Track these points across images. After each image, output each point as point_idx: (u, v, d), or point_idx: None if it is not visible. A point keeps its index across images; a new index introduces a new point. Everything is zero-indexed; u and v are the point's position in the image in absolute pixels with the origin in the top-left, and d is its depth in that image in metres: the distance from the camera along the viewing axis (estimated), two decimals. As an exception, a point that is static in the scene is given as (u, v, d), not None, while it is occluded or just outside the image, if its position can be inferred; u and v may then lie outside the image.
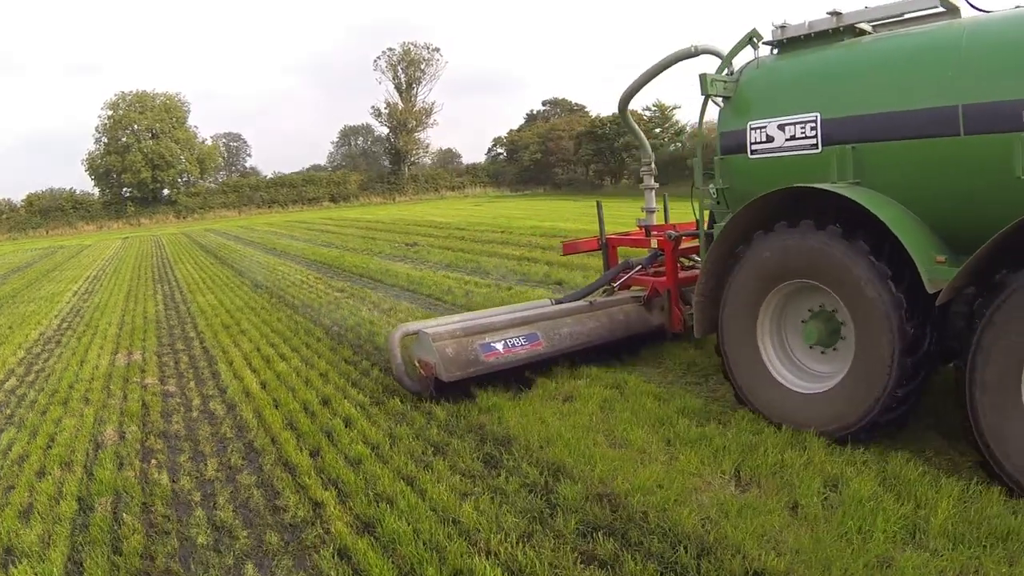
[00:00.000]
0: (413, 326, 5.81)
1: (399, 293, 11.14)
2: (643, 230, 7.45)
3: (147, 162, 49.92)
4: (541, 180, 57.78)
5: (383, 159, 62.88)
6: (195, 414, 5.78)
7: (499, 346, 5.56)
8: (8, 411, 6.34)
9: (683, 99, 51.15)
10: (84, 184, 67.40)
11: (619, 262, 7.33)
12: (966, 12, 4.54)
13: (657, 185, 7.56)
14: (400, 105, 56.69)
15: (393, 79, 57.01)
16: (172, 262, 19.91)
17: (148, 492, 4.27)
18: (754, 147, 4.96)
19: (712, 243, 5.04)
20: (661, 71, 6.54)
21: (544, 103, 70.45)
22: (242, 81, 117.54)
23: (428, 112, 57.88)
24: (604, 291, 7.10)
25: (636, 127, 7.86)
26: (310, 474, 4.27)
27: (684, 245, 6.65)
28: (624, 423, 4.74)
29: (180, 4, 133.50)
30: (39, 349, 9.05)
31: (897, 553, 3.15)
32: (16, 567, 3.50)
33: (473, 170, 61.86)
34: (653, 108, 49.68)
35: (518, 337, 5.69)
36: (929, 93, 4.05)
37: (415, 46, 56.82)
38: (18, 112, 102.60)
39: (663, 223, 7.50)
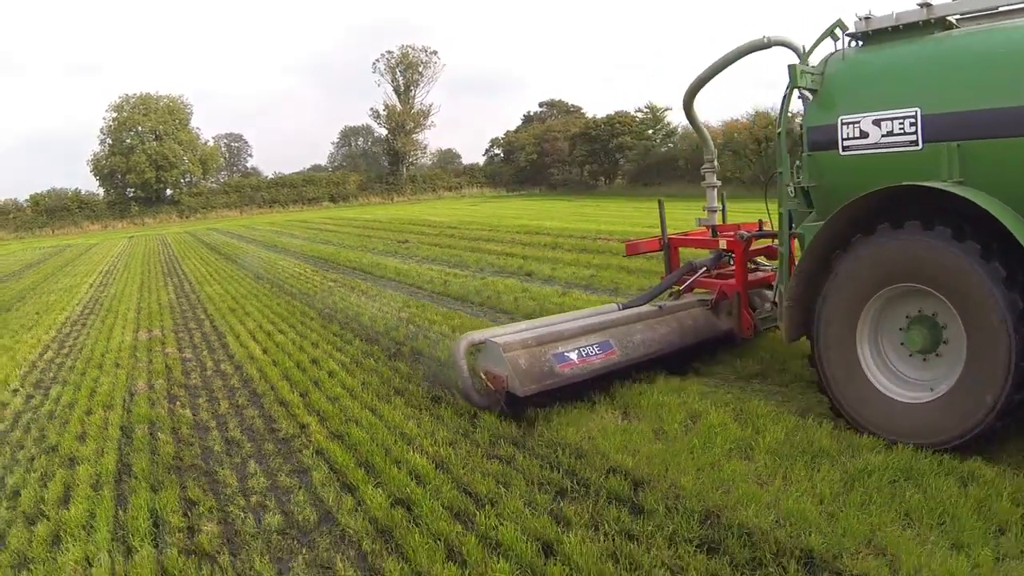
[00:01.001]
0: (479, 335, 5.38)
1: (386, 283, 12.49)
2: (707, 230, 7.21)
3: (151, 163, 51.41)
4: (537, 180, 59.05)
5: (383, 159, 64.27)
6: (209, 372, 7.14)
7: (573, 356, 5.26)
8: (51, 374, 7.70)
9: (673, 102, 52.51)
10: (84, 183, 69.00)
11: (681, 264, 7.01)
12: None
13: (719, 183, 7.35)
14: (398, 107, 58.14)
15: (391, 81, 58.57)
16: (179, 258, 21.29)
17: (175, 421, 5.64)
18: (846, 143, 4.79)
19: (807, 245, 4.84)
20: (730, 63, 6.33)
21: (541, 104, 71.72)
22: (243, 81, 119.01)
23: (426, 114, 59.43)
24: (670, 294, 6.81)
25: (700, 124, 7.41)
26: (299, 407, 5.63)
27: (753, 247, 6.47)
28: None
29: (181, 4, 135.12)
30: (68, 329, 10.42)
31: (725, 461, 4.20)
32: (79, 467, 4.85)
33: (470, 171, 63.24)
34: (645, 110, 51.13)
35: (592, 345, 5.40)
36: None
37: (413, 49, 58.42)
38: (18, 112, 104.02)
39: (723, 223, 7.31)
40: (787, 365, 5.88)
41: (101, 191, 54.50)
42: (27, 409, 6.42)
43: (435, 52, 59.45)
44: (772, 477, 3.92)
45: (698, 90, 6.79)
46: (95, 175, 53.91)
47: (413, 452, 4.54)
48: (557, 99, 71.42)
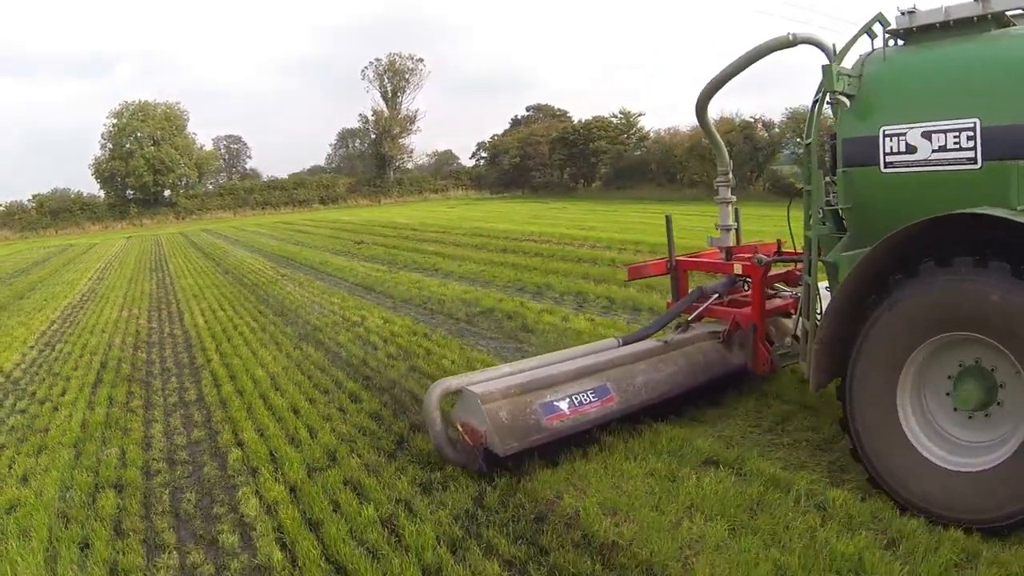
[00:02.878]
0: (455, 381, 4.90)
1: (323, 277, 15.76)
2: (720, 251, 6.59)
3: (149, 167, 55.01)
4: (520, 183, 62.21)
5: (373, 162, 67.75)
6: (164, 335, 10.46)
7: (564, 405, 4.75)
8: (56, 337, 11.00)
9: (646, 107, 55.42)
10: (80, 184, 72.14)
11: (690, 289, 6.41)
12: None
13: (735, 199, 6.67)
14: (386, 113, 61.60)
15: (379, 88, 62.05)
16: (167, 257, 24.69)
17: (134, 359, 8.93)
18: (890, 159, 4.19)
19: (842, 283, 4.10)
20: (751, 63, 5.64)
21: (528, 108, 74.97)
22: (244, 82, 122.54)
23: (412, 119, 62.86)
24: (676, 325, 6.22)
25: (714, 131, 6.76)
26: (213, 351, 8.91)
27: (772, 272, 5.91)
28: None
29: (183, 4, 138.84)
30: (70, 311, 13.76)
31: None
32: (72, 380, 8.11)
33: (456, 174, 66.62)
34: (619, 115, 54.38)
35: (586, 391, 4.89)
36: None
37: (400, 57, 61.87)
38: (19, 113, 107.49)
39: (739, 243, 6.70)
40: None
41: (102, 193, 58.21)
42: (40, 356, 9.73)
43: (421, 59, 62.89)
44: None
45: (713, 93, 6.18)
46: (96, 178, 57.63)
47: (263, 368, 7.79)
48: (544, 103, 74.82)
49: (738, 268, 6.07)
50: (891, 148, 4.18)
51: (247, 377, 7.56)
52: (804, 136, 4.85)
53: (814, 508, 3.97)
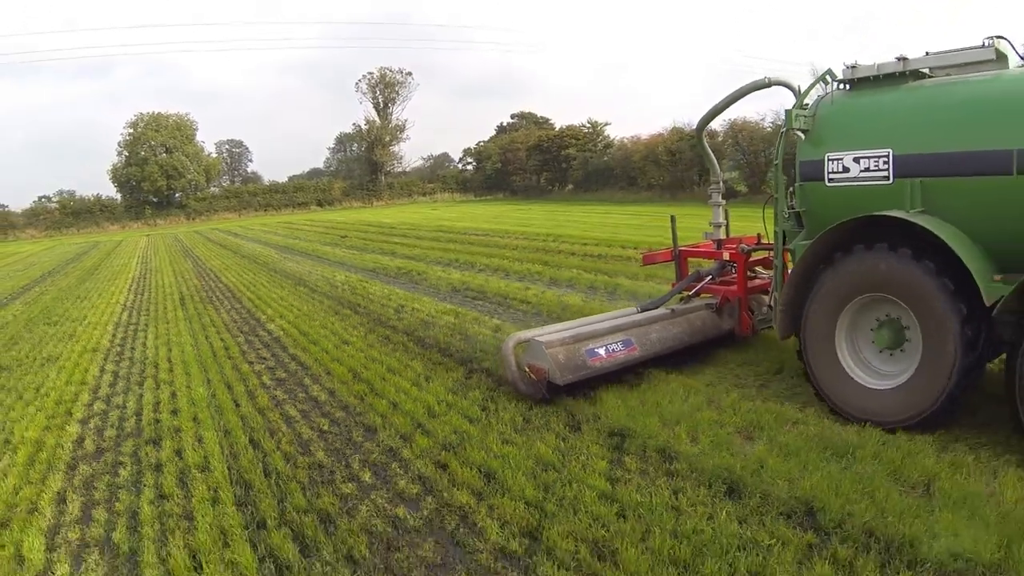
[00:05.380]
0: (524, 335, 6.65)
1: (313, 259, 22.45)
2: (713, 243, 8.27)
3: (162, 172, 61.97)
4: (502, 187, 68.97)
5: (366, 167, 74.67)
6: (212, 287, 17.22)
7: (602, 351, 6.44)
8: (138, 294, 17.74)
9: (613, 117, 61.67)
10: (80, 184, 77.82)
11: (689, 272, 8.15)
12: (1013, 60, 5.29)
13: (724, 202, 8.43)
14: (378, 122, 68.57)
15: (372, 99, 69.05)
16: (191, 248, 31.49)
17: (198, 299, 15.67)
18: (832, 176, 5.71)
19: (798, 259, 5.84)
20: (737, 99, 7.38)
21: (512, 116, 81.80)
22: (245, 83, 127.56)
23: (401, 128, 69.84)
24: (680, 299, 7.84)
25: (709, 151, 8.64)
26: (245, 290, 15.62)
27: (753, 258, 7.48)
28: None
29: (184, 3, 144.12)
30: (138, 281, 20.50)
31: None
32: (167, 302, 14.82)
33: (442, 178, 73.50)
34: (588, 125, 61.13)
35: (616, 343, 6.57)
36: (990, 137, 4.87)
37: (390, 71, 68.85)
38: (20, 113, 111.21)
39: (728, 236, 8.36)
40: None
41: (119, 196, 65.19)
42: (136, 297, 16.46)
43: (410, 73, 70.00)
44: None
45: (707, 123, 8.29)
46: (113, 183, 64.65)
47: (274, 295, 14.50)
48: (527, 111, 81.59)
49: (726, 255, 7.81)
50: (833, 169, 5.69)
51: (269, 297, 14.26)
52: (774, 158, 6.51)
53: (776, 405, 5.89)
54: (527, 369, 6.33)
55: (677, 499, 4.54)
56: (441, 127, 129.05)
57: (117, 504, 5.11)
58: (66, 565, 4.31)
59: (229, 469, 5.51)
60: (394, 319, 11.14)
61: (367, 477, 5.28)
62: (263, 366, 8.97)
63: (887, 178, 5.40)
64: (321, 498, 4.91)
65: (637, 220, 28.53)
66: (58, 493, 5.34)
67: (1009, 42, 5.32)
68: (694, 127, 8.54)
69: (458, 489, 4.92)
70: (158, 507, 4.98)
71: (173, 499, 5.06)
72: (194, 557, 4.24)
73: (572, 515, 4.41)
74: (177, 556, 4.21)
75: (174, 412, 7.16)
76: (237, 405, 7.26)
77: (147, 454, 6.02)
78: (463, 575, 3.97)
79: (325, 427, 6.42)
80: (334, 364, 8.57)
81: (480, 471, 5.14)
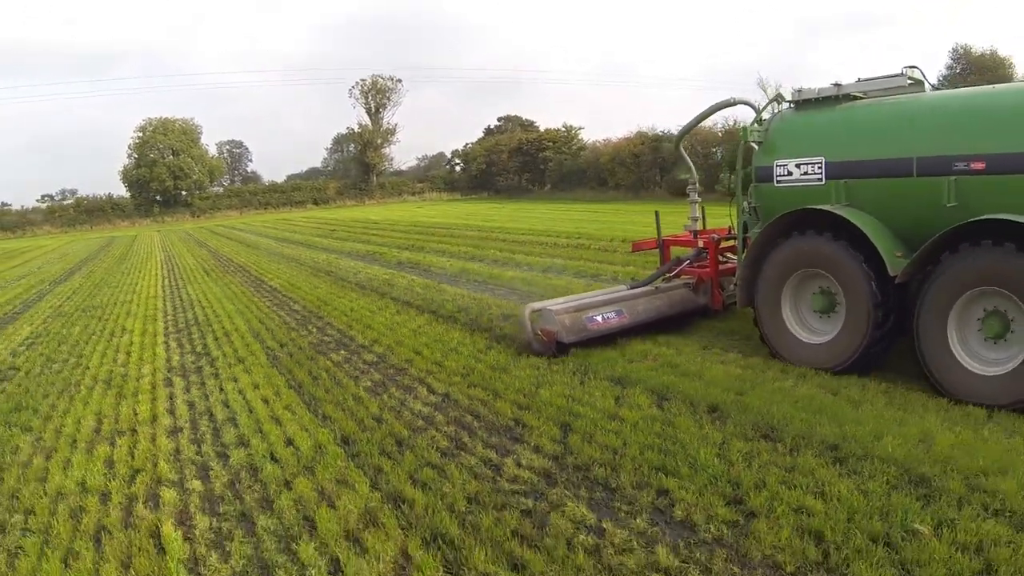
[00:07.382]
0: (537, 305, 8.32)
1: (304, 247, 28.11)
2: (691, 234, 9.67)
3: (169, 173, 67.83)
4: (487, 186, 74.47)
5: (359, 168, 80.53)
6: (227, 265, 22.99)
7: (599, 318, 8.07)
8: (169, 271, 23.49)
9: (587, 122, 66.49)
10: (79, 184, 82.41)
11: (671, 258, 9.61)
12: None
13: (700, 200, 9.91)
14: (370, 126, 74.51)
15: (364, 104, 75.02)
16: (204, 241, 37.28)
17: (216, 270, 21.44)
18: (779, 179, 7.23)
19: (750, 244, 7.43)
20: (707, 116, 9.19)
21: (499, 119, 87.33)
22: (245, 83, 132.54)
23: (392, 131, 75.83)
24: (663, 279, 9.36)
25: (687, 159, 10.16)
26: (254, 267, 21.40)
27: (723, 246, 8.92)
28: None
29: (185, 5, 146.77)
30: (165, 265, 26.24)
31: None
32: (195, 273, 20.54)
33: (430, 178, 79.32)
34: (564, 129, 66.82)
35: (610, 312, 8.19)
36: (896, 147, 6.30)
37: (382, 78, 74.83)
38: (22, 114, 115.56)
39: (704, 229, 9.68)
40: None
41: (129, 195, 71.03)
42: (169, 272, 22.21)
43: (399, 80, 75.99)
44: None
45: (683, 136, 10.46)
46: (124, 182, 70.56)
47: (275, 270, 20.23)
48: (513, 114, 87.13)
49: (701, 244, 9.20)
50: (780, 173, 7.22)
51: (269, 269, 19.95)
52: (737, 165, 7.98)
53: (741, 361, 7.38)
54: (540, 332, 7.96)
55: (670, 417, 5.90)
56: (441, 127, 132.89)
57: (195, 345, 10.82)
58: (176, 357, 10.03)
59: (250, 331, 11.24)
60: (351, 279, 16.87)
61: (338, 358, 10.98)
62: (264, 299, 14.72)
63: (821, 179, 6.89)
64: (304, 338, 10.62)
65: (590, 216, 33.05)
66: (164, 343, 11.05)
67: (921, 71, 6.88)
68: (656, 131, 12.52)
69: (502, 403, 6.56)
70: (218, 343, 10.69)
71: (223, 341, 10.77)
72: (236, 353, 9.92)
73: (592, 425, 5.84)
74: (227, 350, 9.94)
75: (216, 316, 12.90)
76: (251, 312, 13.02)
77: (204, 329, 11.76)
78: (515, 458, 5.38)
79: (298, 318, 12.16)
80: (308, 296, 14.32)
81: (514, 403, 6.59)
